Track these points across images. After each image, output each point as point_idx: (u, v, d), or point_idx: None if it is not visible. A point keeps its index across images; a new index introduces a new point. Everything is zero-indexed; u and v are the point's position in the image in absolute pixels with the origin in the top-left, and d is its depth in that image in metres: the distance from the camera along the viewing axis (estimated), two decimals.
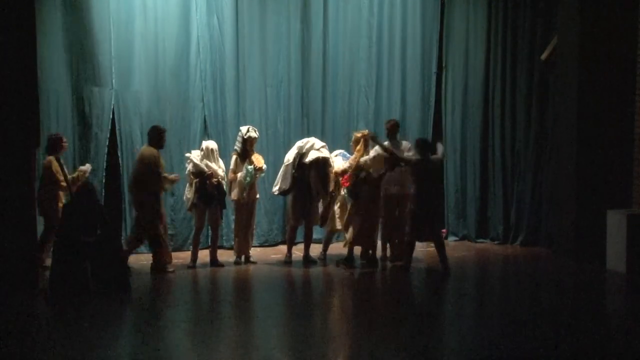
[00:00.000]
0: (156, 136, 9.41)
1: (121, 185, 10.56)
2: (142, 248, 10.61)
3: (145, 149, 9.40)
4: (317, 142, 9.84)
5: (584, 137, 9.92)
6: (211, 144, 9.78)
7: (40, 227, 9.24)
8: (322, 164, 9.66)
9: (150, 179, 9.19)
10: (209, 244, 10.06)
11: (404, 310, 7.95)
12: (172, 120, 10.75)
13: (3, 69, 8.41)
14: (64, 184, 9.34)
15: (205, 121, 10.87)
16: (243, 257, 9.92)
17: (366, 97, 11.60)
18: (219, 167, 9.66)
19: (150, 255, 9.59)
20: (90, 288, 7.99)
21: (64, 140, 9.62)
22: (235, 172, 9.77)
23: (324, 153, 9.73)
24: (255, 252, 10.25)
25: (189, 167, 9.63)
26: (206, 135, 10.77)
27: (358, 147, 9.62)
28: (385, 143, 9.62)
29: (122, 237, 10.33)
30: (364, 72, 11.57)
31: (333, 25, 11.45)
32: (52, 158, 9.36)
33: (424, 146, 9.44)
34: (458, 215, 11.86)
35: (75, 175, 9.54)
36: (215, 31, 10.93)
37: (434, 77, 11.82)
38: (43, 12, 10.08)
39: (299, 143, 9.86)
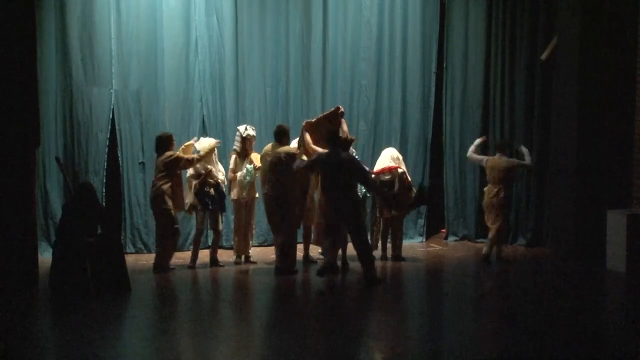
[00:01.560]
0: (286, 134, 9.44)
1: (121, 185, 10.57)
2: (142, 247, 10.65)
3: (278, 147, 9.31)
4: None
5: (584, 137, 9.92)
6: None
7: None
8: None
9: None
10: (209, 244, 10.07)
11: (401, 308, 7.95)
12: (171, 121, 10.77)
13: (3, 69, 8.41)
14: (195, 156, 9.37)
15: (204, 121, 10.89)
16: (243, 257, 9.92)
17: (367, 97, 11.60)
18: (218, 171, 9.66)
19: (149, 255, 9.59)
20: (90, 288, 7.98)
21: (173, 138, 9.54)
22: (234, 171, 9.78)
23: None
24: (254, 252, 10.25)
25: (189, 170, 9.63)
26: (205, 135, 10.77)
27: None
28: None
29: (122, 237, 10.40)
30: (364, 72, 11.56)
31: (333, 25, 11.44)
32: (171, 153, 9.29)
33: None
34: (458, 215, 11.86)
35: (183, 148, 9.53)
36: (214, 31, 10.94)
37: (434, 77, 11.83)
38: (43, 13, 10.14)
39: (294, 143, 9.85)
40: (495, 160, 10.12)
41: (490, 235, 10.05)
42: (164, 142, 9.38)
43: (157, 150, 9.43)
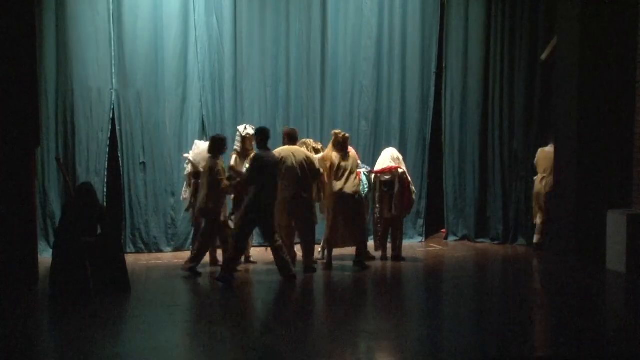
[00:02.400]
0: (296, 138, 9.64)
1: (122, 185, 10.57)
2: (142, 247, 10.65)
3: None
4: (310, 142, 9.91)
5: (584, 137, 9.92)
6: (206, 144, 9.76)
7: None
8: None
9: None
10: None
11: (402, 309, 7.95)
12: (171, 120, 10.78)
13: (3, 69, 8.41)
14: (226, 183, 9.13)
15: (203, 121, 10.89)
16: (243, 257, 9.91)
17: (367, 97, 11.59)
18: None
19: (149, 255, 9.57)
20: (90, 288, 7.98)
21: (226, 142, 9.44)
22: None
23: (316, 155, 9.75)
24: (254, 252, 10.24)
25: (188, 167, 9.64)
26: (204, 135, 10.79)
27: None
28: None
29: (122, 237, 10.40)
30: (365, 72, 11.56)
31: (333, 25, 11.44)
32: (218, 160, 9.18)
33: None
34: (457, 215, 11.86)
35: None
36: (214, 31, 10.94)
37: (433, 77, 11.82)
38: (43, 13, 10.16)
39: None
40: (546, 151, 10.79)
41: (538, 223, 10.80)
42: (218, 145, 9.21)
43: (210, 151, 9.21)
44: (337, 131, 9.78)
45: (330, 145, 9.68)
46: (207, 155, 9.17)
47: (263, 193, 8.66)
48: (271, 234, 8.79)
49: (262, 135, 8.99)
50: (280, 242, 8.85)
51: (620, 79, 9.86)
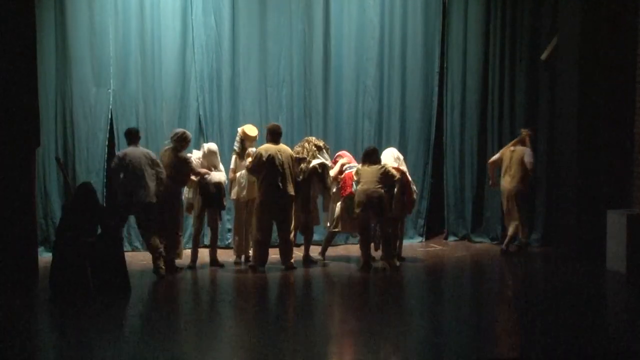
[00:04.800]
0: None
1: None
2: (139, 246, 10.64)
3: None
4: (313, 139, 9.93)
5: (584, 137, 9.92)
6: (212, 145, 9.76)
7: None
8: (322, 169, 9.70)
9: None
10: (207, 243, 10.03)
11: (402, 309, 7.95)
12: (169, 120, 10.77)
13: (3, 69, 8.42)
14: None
15: (200, 121, 10.88)
16: (243, 257, 9.91)
17: (371, 97, 11.55)
18: (219, 170, 9.65)
19: (146, 254, 9.60)
20: (90, 288, 7.98)
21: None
22: (235, 171, 9.78)
23: (322, 158, 9.75)
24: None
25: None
26: (202, 135, 10.78)
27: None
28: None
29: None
30: (368, 72, 11.51)
31: (336, 25, 11.37)
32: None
33: None
34: (457, 216, 11.83)
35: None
36: (212, 31, 10.92)
37: (436, 77, 11.77)
38: (43, 13, 10.15)
39: (297, 147, 9.87)
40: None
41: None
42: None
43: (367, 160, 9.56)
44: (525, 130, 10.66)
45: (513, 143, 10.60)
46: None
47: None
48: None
49: (130, 135, 9.30)
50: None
51: (620, 79, 9.86)
